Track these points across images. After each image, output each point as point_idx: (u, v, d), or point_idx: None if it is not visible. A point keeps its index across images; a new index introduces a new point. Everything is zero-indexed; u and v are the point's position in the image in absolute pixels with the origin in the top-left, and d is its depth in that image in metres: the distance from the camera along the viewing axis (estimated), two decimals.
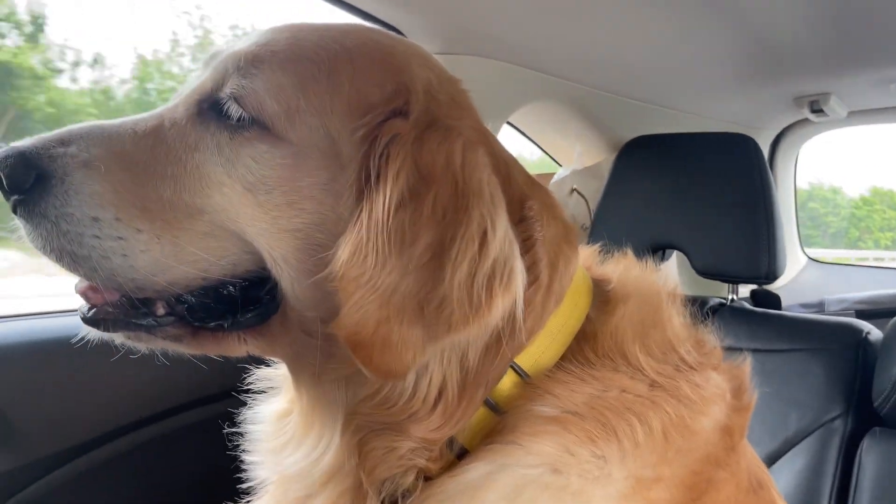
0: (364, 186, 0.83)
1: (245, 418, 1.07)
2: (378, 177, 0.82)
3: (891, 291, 3.05)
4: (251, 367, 1.11)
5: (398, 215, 0.80)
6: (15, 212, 0.87)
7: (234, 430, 1.06)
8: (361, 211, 0.82)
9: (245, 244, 0.88)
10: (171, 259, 0.86)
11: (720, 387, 0.96)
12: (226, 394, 1.60)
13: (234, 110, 0.88)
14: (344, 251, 0.80)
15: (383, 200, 0.80)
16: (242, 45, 0.92)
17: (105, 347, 1.44)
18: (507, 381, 0.89)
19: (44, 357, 1.50)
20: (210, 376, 1.65)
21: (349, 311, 0.78)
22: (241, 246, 0.88)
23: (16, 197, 0.86)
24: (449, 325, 0.78)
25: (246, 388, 1.10)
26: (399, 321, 0.78)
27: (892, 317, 2.00)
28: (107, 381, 1.57)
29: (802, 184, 3.81)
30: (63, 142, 0.88)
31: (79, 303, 0.93)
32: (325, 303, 0.84)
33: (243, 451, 1.05)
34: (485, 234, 0.80)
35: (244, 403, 1.08)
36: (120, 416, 1.60)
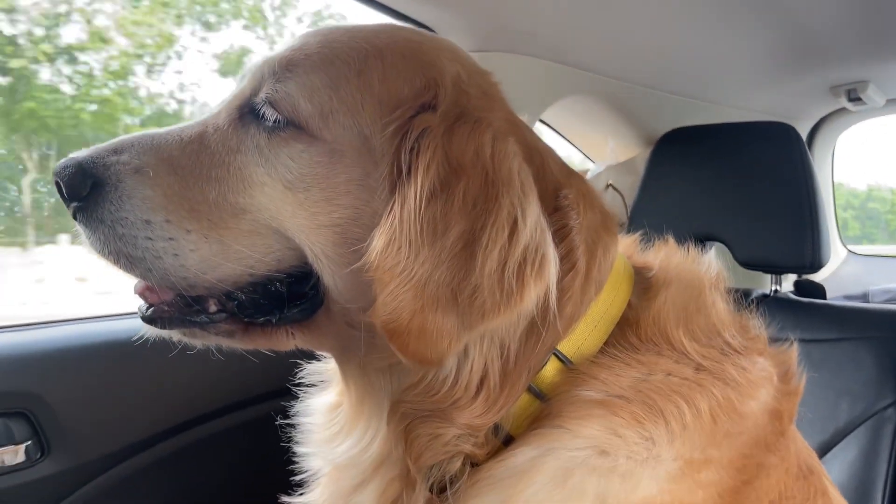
0: (396, 180, 0.86)
1: (297, 412, 1.09)
2: (409, 170, 0.85)
3: None
4: (301, 363, 1.14)
5: (430, 206, 0.82)
6: (75, 218, 0.93)
7: (286, 424, 1.09)
8: (394, 203, 0.84)
9: (287, 240, 0.91)
10: (218, 257, 0.90)
11: (767, 370, 0.96)
12: (275, 393, 1.63)
13: (270, 113, 0.92)
14: (378, 242, 0.82)
15: (415, 192, 0.82)
16: (278, 50, 0.97)
17: (153, 350, 1.48)
18: (551, 368, 0.90)
19: (94, 360, 1.55)
20: (258, 376, 1.68)
21: (385, 301, 0.81)
22: (283, 242, 0.92)
23: (75, 204, 0.92)
24: (483, 313, 0.80)
25: (296, 383, 1.12)
26: (433, 309, 0.80)
27: None
28: (156, 383, 1.61)
29: (861, 185, 3.86)
30: (116, 151, 0.94)
31: (136, 303, 0.98)
32: (365, 295, 0.86)
33: (295, 443, 1.07)
34: (515, 222, 0.82)
35: (294, 400, 1.11)
36: (169, 418, 1.63)
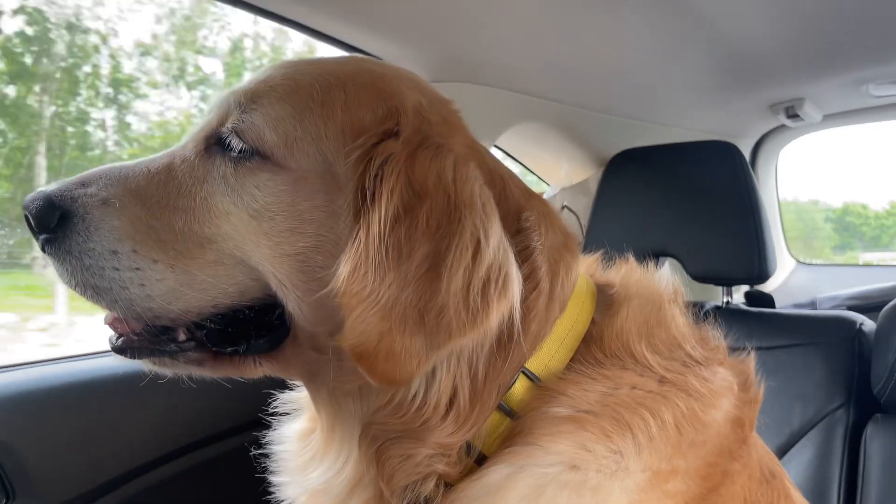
0: (361, 206, 0.88)
1: (270, 441, 1.09)
2: (374, 195, 0.86)
3: (879, 286, 3.11)
4: (274, 393, 1.14)
5: (394, 230, 0.83)
6: (44, 250, 0.93)
7: (260, 455, 1.09)
8: (359, 229, 0.85)
9: (251, 270, 0.93)
10: (184, 287, 0.91)
11: (728, 380, 0.99)
12: (248, 424, 1.61)
13: (236, 143, 0.94)
14: (345, 268, 0.84)
15: (379, 217, 0.84)
16: (244, 83, 0.99)
17: (119, 389, 1.46)
18: (520, 387, 0.92)
19: (59, 402, 1.52)
20: (230, 409, 1.66)
21: (353, 325, 0.82)
22: (247, 273, 0.93)
23: (44, 236, 0.93)
24: (450, 332, 0.82)
25: (270, 413, 1.12)
26: (401, 331, 0.81)
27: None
28: (123, 422, 1.58)
29: (836, 202, 4.26)
30: (84, 183, 0.95)
31: (106, 335, 0.99)
32: (331, 320, 0.88)
33: (271, 473, 1.07)
34: (478, 242, 0.84)
35: (268, 430, 1.11)
36: (138, 456, 1.60)
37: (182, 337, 0.96)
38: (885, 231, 5.10)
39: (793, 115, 3.15)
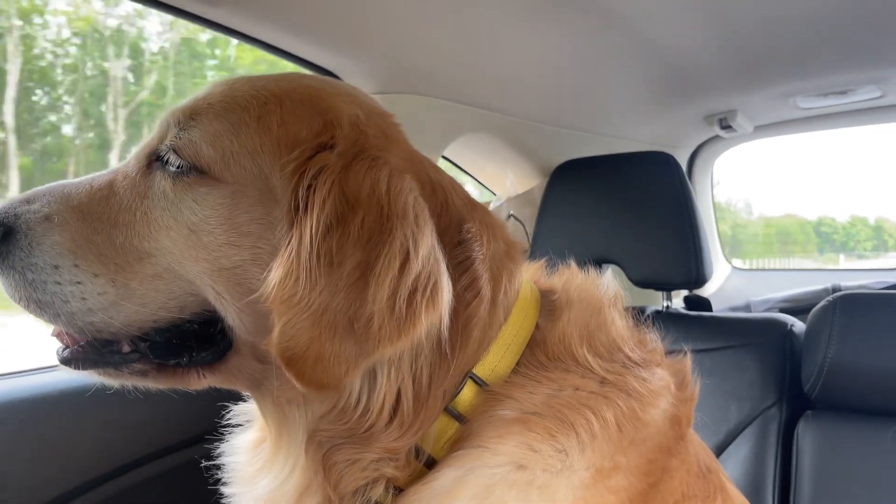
0: (294, 216, 0.89)
1: (222, 452, 1.09)
2: (307, 206, 0.88)
3: (809, 289, 3.24)
4: (228, 405, 1.14)
5: (326, 239, 0.85)
6: None
7: (212, 467, 1.09)
8: (292, 237, 0.87)
9: (189, 284, 0.94)
10: (125, 301, 0.93)
11: (665, 380, 1.03)
12: (200, 437, 1.59)
13: (174, 159, 0.96)
14: (275, 274, 0.85)
15: (311, 226, 0.86)
16: (184, 101, 1.00)
17: (63, 405, 1.42)
18: (468, 391, 0.94)
19: (13, 415, 1.47)
20: (182, 421, 1.64)
21: (283, 330, 0.84)
22: (185, 287, 0.94)
23: None
24: (378, 340, 0.83)
25: (223, 425, 1.12)
26: (331, 337, 0.83)
27: None
28: (68, 438, 1.54)
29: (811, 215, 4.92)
30: (28, 200, 0.96)
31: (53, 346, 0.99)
32: (270, 329, 0.89)
33: (222, 485, 1.07)
34: (407, 252, 0.86)
35: (220, 442, 1.11)
36: (88, 471, 1.56)
37: (126, 349, 0.97)
38: (851, 238, 5.62)
39: (726, 127, 3.28)
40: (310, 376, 0.83)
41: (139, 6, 1.67)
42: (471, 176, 3.05)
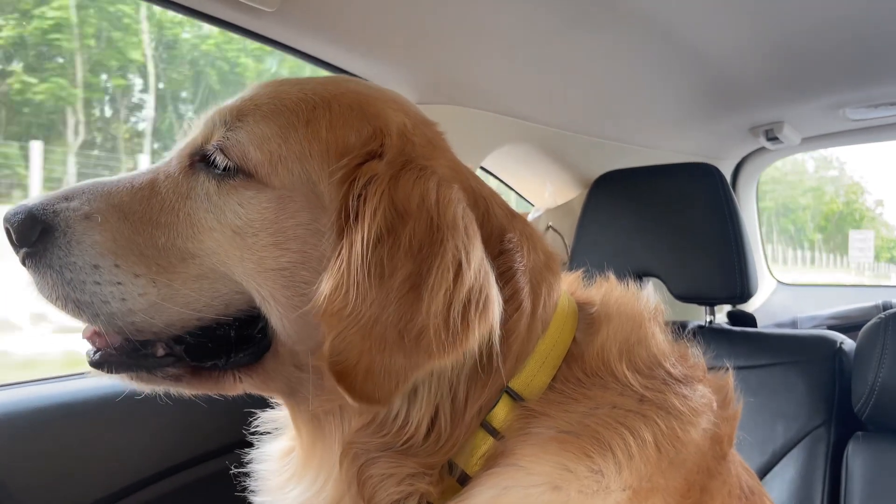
0: (344, 225, 0.88)
1: (251, 460, 1.09)
2: (357, 215, 0.87)
3: (858, 306, 3.15)
4: (256, 413, 1.13)
5: (377, 250, 0.84)
6: (24, 264, 0.93)
7: (241, 475, 1.08)
8: (342, 248, 0.86)
9: (235, 284, 0.93)
10: (167, 301, 0.92)
11: (707, 397, 1.00)
12: (231, 445, 1.59)
13: (221, 160, 0.94)
14: (326, 286, 0.84)
15: (362, 237, 0.85)
16: (229, 101, 1.00)
17: (99, 412, 1.43)
18: (503, 406, 0.92)
19: (40, 424, 1.50)
20: (212, 430, 1.64)
21: (333, 343, 0.82)
22: (231, 286, 0.93)
23: (24, 250, 0.93)
24: (430, 353, 0.82)
25: (251, 433, 1.12)
26: (381, 350, 0.82)
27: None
28: (102, 445, 1.55)
29: None
30: (67, 198, 0.95)
31: (85, 348, 0.98)
32: (313, 337, 0.88)
33: (251, 493, 1.06)
34: (459, 264, 0.84)
35: (250, 450, 1.10)
36: (119, 480, 1.58)
37: (161, 352, 0.96)
38: None
39: (772, 138, 3.21)
40: (360, 390, 0.82)
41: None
42: (509, 187, 3.04)
